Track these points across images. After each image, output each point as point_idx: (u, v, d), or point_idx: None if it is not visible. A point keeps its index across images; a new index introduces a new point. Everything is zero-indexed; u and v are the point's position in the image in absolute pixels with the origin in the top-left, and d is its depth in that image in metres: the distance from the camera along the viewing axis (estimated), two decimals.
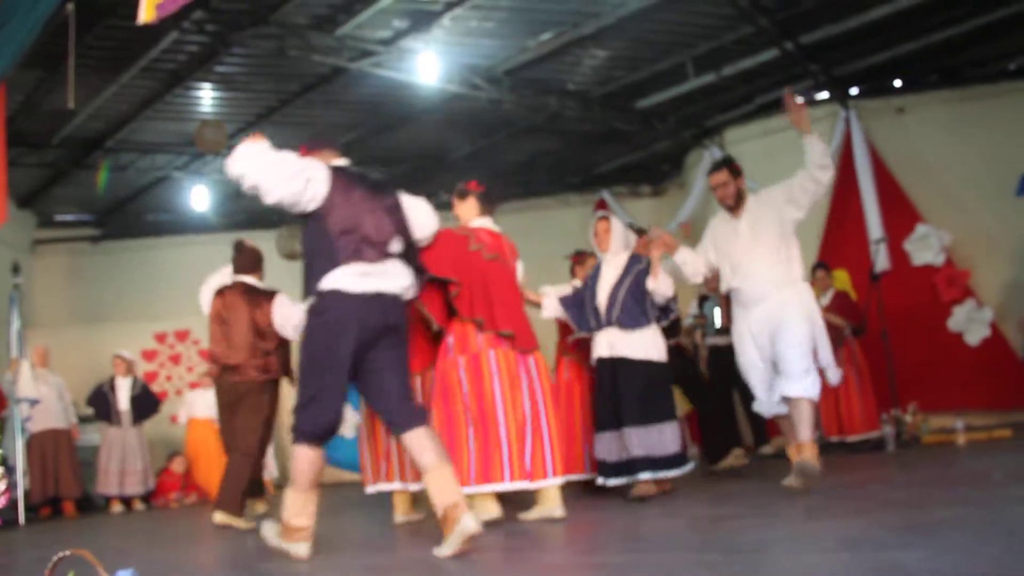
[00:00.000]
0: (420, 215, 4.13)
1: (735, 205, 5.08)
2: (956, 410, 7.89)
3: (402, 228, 3.90)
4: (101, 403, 9.62)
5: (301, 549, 3.81)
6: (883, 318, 7.99)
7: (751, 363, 5.07)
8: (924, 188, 9.17)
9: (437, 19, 7.73)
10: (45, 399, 8.90)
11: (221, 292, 5.97)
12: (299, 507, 3.80)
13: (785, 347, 4.80)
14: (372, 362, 3.72)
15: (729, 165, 5.16)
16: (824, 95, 9.80)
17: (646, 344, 5.32)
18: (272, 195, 3.65)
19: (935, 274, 8.91)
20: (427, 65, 8.16)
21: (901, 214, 9.07)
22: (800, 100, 4.94)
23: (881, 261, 8.57)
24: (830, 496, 4.35)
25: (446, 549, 3.48)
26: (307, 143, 4.06)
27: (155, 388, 10.90)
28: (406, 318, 3.90)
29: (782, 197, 4.94)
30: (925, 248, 8.95)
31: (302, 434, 3.69)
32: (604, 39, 8.38)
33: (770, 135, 9.95)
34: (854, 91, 9.66)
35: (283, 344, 5.97)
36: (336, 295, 3.65)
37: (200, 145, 9.39)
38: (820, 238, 9.41)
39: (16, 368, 8.42)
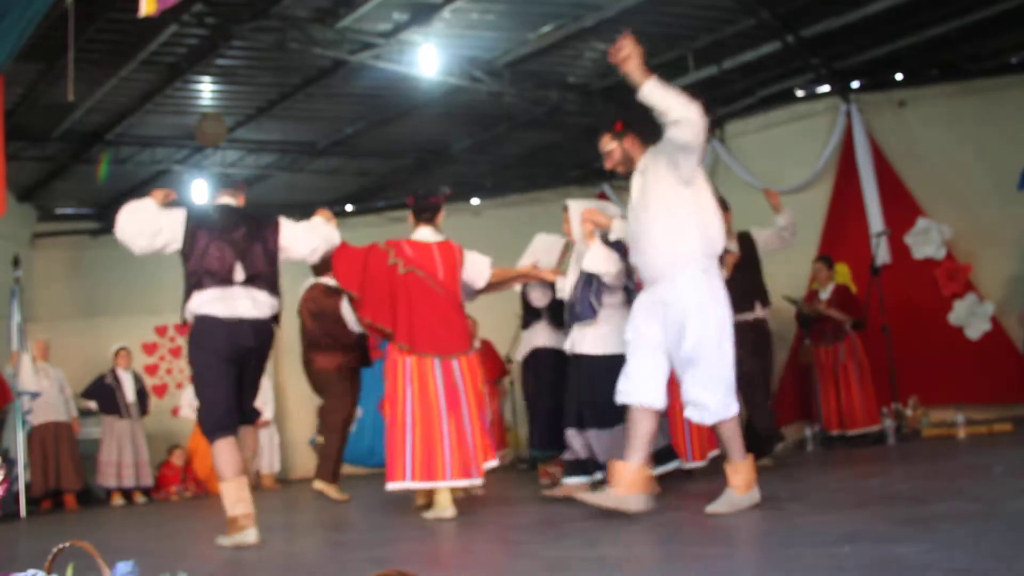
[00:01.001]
0: (294, 242, 4.72)
1: (629, 172, 4.29)
2: (956, 404, 7.88)
3: (251, 257, 4.48)
4: (106, 395, 9.64)
5: (250, 536, 4.17)
6: (884, 312, 7.98)
7: (637, 341, 4.13)
8: (925, 181, 9.15)
9: (437, 12, 7.71)
10: (46, 392, 8.92)
11: (308, 290, 6.82)
12: (234, 496, 4.21)
13: (694, 377, 3.97)
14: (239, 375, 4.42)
15: (612, 127, 4.32)
16: (825, 88, 9.77)
17: (599, 338, 5.03)
18: (132, 248, 4.44)
19: (936, 268, 8.90)
20: (427, 58, 8.14)
21: (902, 207, 9.05)
22: (624, 48, 3.81)
23: (882, 255, 8.55)
24: (830, 490, 4.35)
25: (224, 540, 4.19)
26: (223, 181, 4.90)
27: (155, 381, 10.94)
28: (269, 340, 4.56)
29: (664, 158, 4.06)
30: (926, 242, 8.93)
31: (211, 433, 4.26)
32: (605, 32, 8.35)
33: (771, 128, 9.94)
34: (855, 84, 9.63)
35: (360, 336, 6.71)
36: (205, 320, 4.36)
37: (200, 139, 9.39)
38: (821, 231, 9.40)
39: (17, 361, 8.43)
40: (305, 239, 4.78)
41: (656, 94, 3.78)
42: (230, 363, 4.34)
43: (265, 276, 4.52)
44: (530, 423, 6.82)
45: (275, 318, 4.61)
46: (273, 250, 4.62)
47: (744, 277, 6.21)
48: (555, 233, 5.93)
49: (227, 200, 4.72)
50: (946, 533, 2.78)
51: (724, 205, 6.22)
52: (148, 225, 4.42)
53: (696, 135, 3.82)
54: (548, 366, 6.41)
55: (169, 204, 4.57)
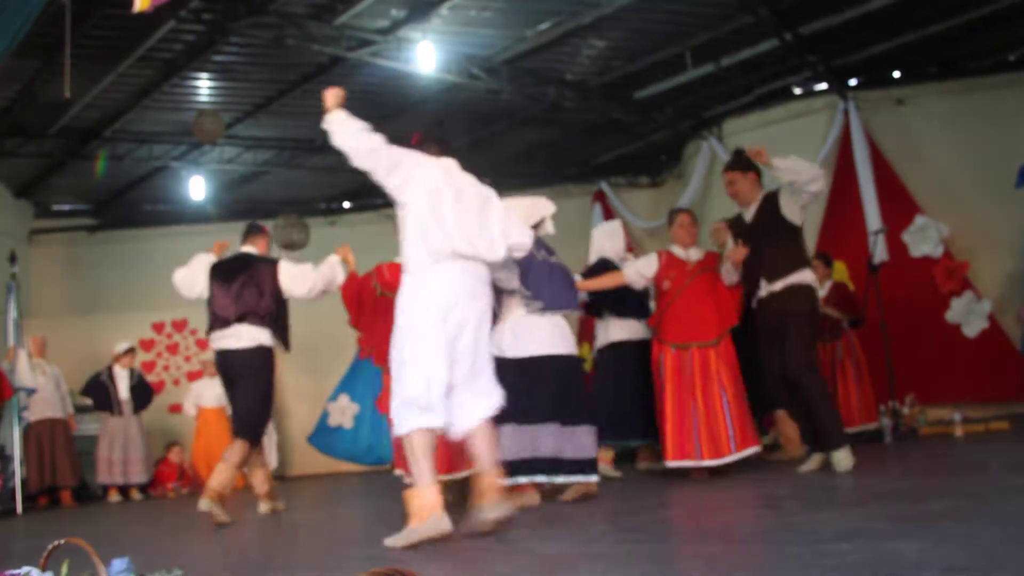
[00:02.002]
0: (289, 281, 5.66)
1: None
2: (953, 402, 7.89)
3: (243, 298, 5.52)
4: (100, 393, 9.63)
5: (201, 504, 5.31)
6: (881, 310, 7.98)
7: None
8: (923, 179, 9.16)
9: (435, 8, 7.70)
10: (42, 389, 8.91)
11: None
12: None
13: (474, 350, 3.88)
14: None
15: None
16: (823, 86, 9.78)
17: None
18: (181, 295, 5.86)
19: (934, 266, 8.90)
20: (425, 55, 8.14)
21: (900, 205, 9.05)
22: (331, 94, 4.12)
23: (879, 252, 8.56)
24: (827, 487, 4.35)
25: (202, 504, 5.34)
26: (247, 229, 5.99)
27: (152, 378, 10.94)
28: (251, 366, 5.56)
29: None
30: (924, 240, 8.94)
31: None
32: (602, 29, 8.35)
33: (769, 126, 9.93)
34: (853, 82, 9.64)
35: None
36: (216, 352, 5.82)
37: (198, 135, 9.37)
38: (819, 229, 9.40)
39: (13, 357, 8.42)
40: (302, 280, 5.63)
41: (329, 121, 4.00)
42: (228, 386, 5.69)
43: (256, 313, 5.51)
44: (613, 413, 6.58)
45: (283, 344, 5.71)
46: (270, 290, 5.57)
47: (755, 250, 5.41)
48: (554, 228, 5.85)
49: (247, 248, 5.80)
50: (943, 531, 2.78)
51: (749, 165, 5.54)
52: (188, 278, 5.75)
53: (356, 157, 3.99)
54: (627, 358, 6.51)
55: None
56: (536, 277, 4.93)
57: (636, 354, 6.36)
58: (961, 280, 8.81)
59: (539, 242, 5.09)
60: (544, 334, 4.90)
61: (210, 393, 10.50)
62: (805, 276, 5.33)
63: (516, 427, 4.70)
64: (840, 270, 8.59)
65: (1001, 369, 8.47)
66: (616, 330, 6.58)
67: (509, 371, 4.74)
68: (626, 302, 6.40)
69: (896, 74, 9.71)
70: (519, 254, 4.24)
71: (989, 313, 8.65)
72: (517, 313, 4.91)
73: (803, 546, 2.79)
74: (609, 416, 6.26)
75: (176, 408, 10.99)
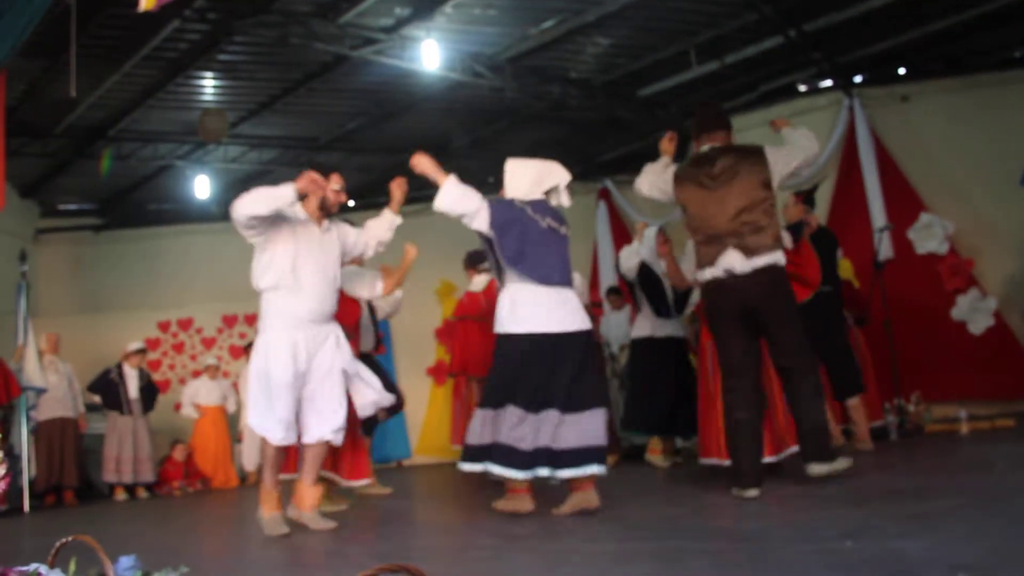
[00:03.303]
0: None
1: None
2: (959, 399, 7.87)
3: None
4: (110, 391, 9.66)
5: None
6: (886, 307, 7.97)
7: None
8: (928, 177, 9.14)
9: (439, 7, 7.71)
10: (55, 387, 8.94)
11: None
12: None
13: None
14: None
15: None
16: (828, 83, 9.76)
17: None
18: None
19: (939, 263, 8.89)
20: (429, 53, 8.13)
21: (905, 202, 9.04)
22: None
23: (884, 250, 8.52)
24: (832, 485, 4.35)
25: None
26: None
27: (158, 377, 10.95)
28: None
29: None
30: (929, 237, 8.92)
31: None
32: (606, 27, 8.35)
33: None
34: (858, 79, 9.61)
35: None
36: None
37: (202, 134, 9.38)
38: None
39: (21, 356, 8.42)
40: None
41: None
42: None
43: None
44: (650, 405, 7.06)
45: None
46: None
47: None
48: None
49: None
50: (948, 529, 2.78)
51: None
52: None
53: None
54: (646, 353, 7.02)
55: None
56: (546, 248, 4.48)
57: (669, 350, 6.87)
58: (966, 277, 8.79)
59: (546, 208, 4.64)
60: (559, 311, 4.38)
61: (207, 392, 10.56)
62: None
63: (532, 414, 4.23)
64: (845, 267, 8.57)
65: (1007, 366, 8.45)
66: (650, 325, 7.00)
67: (519, 348, 4.32)
68: (672, 302, 6.40)
69: (901, 71, 9.67)
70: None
71: (994, 310, 8.63)
72: (515, 285, 4.46)
73: (808, 544, 2.80)
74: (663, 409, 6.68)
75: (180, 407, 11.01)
